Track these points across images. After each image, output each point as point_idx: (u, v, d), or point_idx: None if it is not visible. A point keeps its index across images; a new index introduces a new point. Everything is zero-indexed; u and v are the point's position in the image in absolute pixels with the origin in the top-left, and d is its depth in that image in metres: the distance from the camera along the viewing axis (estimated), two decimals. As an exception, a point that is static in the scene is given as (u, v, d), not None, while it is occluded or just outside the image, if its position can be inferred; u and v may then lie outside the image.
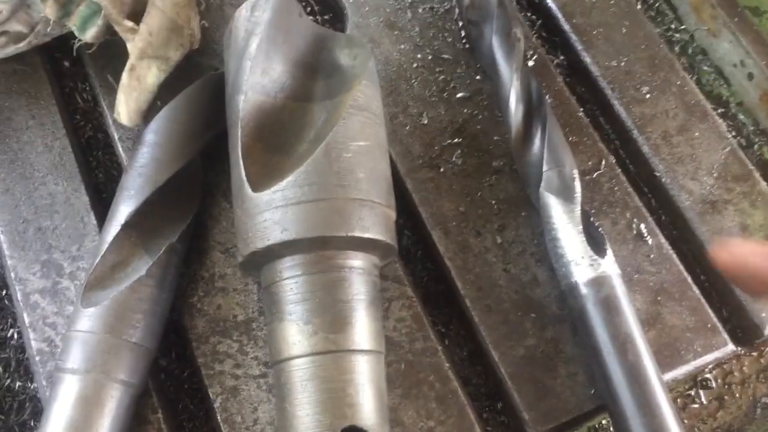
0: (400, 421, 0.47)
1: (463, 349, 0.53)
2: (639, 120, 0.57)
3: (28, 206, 0.52)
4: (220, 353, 0.48)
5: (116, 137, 0.55)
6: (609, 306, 0.46)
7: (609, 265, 0.47)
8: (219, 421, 0.47)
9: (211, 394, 0.47)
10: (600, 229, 0.49)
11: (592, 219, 0.50)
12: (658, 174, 0.56)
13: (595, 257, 0.47)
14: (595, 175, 0.55)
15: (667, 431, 0.43)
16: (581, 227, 0.48)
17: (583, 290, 0.47)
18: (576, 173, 0.50)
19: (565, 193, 0.49)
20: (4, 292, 0.53)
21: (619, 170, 0.55)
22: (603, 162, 0.55)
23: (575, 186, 0.49)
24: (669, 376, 0.49)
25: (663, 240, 0.53)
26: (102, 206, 0.53)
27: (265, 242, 0.42)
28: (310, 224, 0.42)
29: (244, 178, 0.44)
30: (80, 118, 0.59)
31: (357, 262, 0.43)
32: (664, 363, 0.49)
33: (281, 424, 0.41)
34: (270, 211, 0.42)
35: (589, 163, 0.55)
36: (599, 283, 0.47)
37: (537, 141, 0.51)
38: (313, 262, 0.42)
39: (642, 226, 0.53)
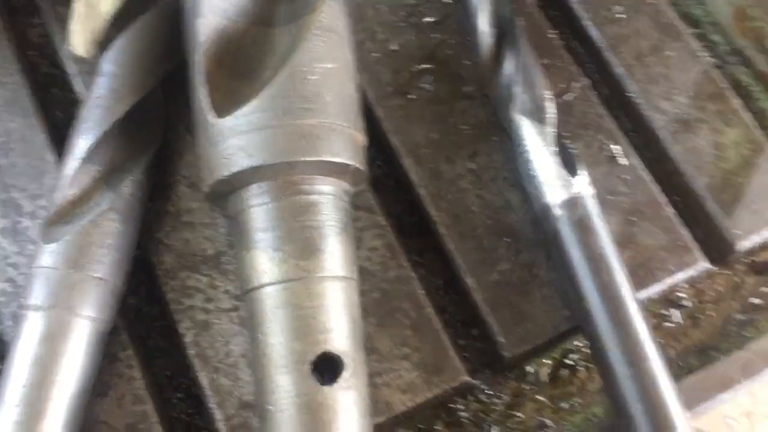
0: (375, 349, 0.47)
1: (439, 277, 0.52)
2: (612, 40, 0.56)
3: (-17, 145, 0.50)
4: (189, 288, 0.47)
5: (73, 72, 0.53)
6: (582, 226, 0.46)
7: (582, 186, 0.47)
8: (190, 356, 0.46)
9: (181, 330, 0.46)
10: (574, 150, 0.49)
11: (565, 141, 0.49)
12: (631, 95, 0.55)
13: (569, 178, 0.47)
14: (567, 98, 0.54)
15: (641, 347, 0.43)
16: (554, 148, 0.47)
17: (557, 211, 0.46)
18: (548, 94, 0.49)
19: (537, 114, 0.48)
20: (-37, 235, 0.52)
21: (592, 92, 0.54)
22: (575, 84, 0.54)
23: (547, 107, 0.48)
24: (643, 294, 0.49)
25: (637, 161, 0.52)
26: (61, 144, 0.51)
27: (230, 169, 0.41)
28: (276, 149, 0.40)
29: (207, 105, 0.42)
30: (35, 54, 0.56)
31: (326, 187, 0.42)
32: (638, 282, 0.49)
33: (254, 353, 0.41)
34: (234, 137, 0.41)
35: (562, 85, 0.54)
36: (573, 203, 0.46)
37: (508, 64, 0.50)
38: (280, 188, 0.41)
39: (615, 147, 0.52)
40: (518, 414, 0.50)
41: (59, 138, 0.52)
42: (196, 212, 0.49)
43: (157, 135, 0.48)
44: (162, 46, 0.48)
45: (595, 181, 0.51)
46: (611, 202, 0.51)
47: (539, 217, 0.49)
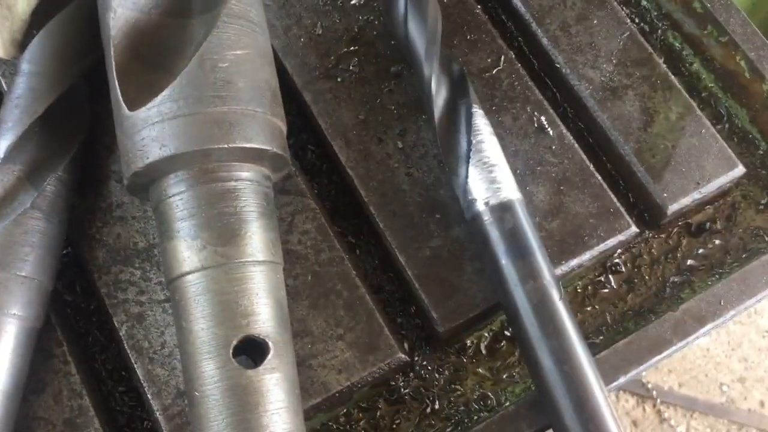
0: (309, 331, 0.47)
1: (374, 257, 0.52)
2: (537, 12, 0.56)
3: None
4: (122, 282, 0.48)
5: (-1, 73, 0.53)
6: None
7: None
8: (126, 348, 0.46)
9: (116, 323, 0.47)
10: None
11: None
12: (558, 65, 0.55)
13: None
14: (494, 72, 0.54)
15: (569, 352, 0.44)
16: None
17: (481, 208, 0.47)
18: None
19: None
20: None
21: (519, 65, 0.55)
22: (502, 58, 0.55)
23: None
24: (574, 262, 0.49)
25: (565, 131, 0.53)
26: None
27: (144, 161, 0.41)
28: (189, 138, 0.41)
29: (120, 98, 0.42)
30: (-38, 57, 0.56)
31: (243, 173, 0.42)
32: (568, 251, 0.49)
33: (180, 341, 0.41)
34: (147, 129, 0.41)
35: (489, 60, 0.54)
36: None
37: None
38: (196, 176, 0.41)
39: (543, 118, 0.53)
40: (459, 387, 0.50)
41: (-11, 141, 0.52)
42: (127, 206, 0.49)
43: (80, 131, 0.49)
44: (80, 42, 0.48)
45: (524, 153, 0.52)
46: (540, 173, 0.51)
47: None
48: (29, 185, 0.45)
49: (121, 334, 0.47)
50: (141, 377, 0.46)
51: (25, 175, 0.45)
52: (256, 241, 0.42)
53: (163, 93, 0.41)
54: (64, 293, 0.49)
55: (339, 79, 0.54)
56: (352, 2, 0.56)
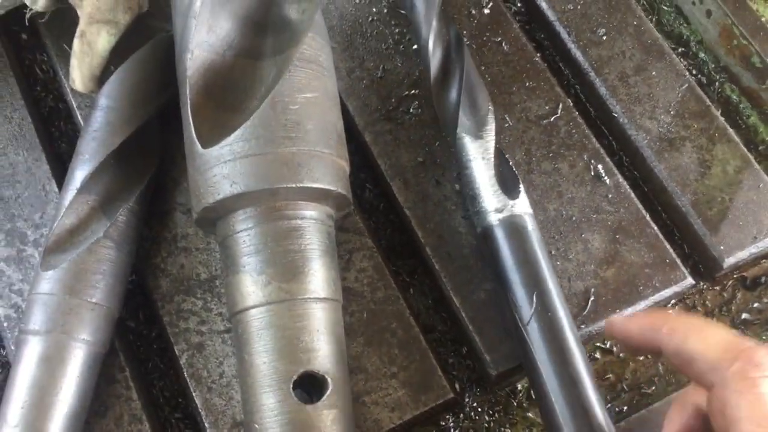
0: (364, 368, 0.48)
1: (428, 297, 0.53)
2: (596, 62, 0.57)
3: (-10, 177, 0.53)
4: (184, 311, 0.49)
5: (75, 105, 0.55)
6: (520, 250, 0.46)
7: (521, 207, 0.48)
8: (186, 376, 0.47)
9: (177, 351, 0.48)
10: (514, 169, 0.49)
11: (510, 162, 0.50)
12: (615, 115, 0.56)
13: (508, 200, 0.47)
14: (552, 119, 0.55)
15: (576, 378, 0.43)
16: (493, 170, 0.48)
17: (496, 233, 0.47)
18: (491, 117, 0.50)
19: (478, 134, 0.49)
20: (-28, 264, 0.54)
21: (577, 113, 0.55)
22: (560, 106, 0.55)
23: (489, 126, 0.49)
24: (629, 311, 0.50)
25: (621, 180, 0.53)
26: (64, 175, 0.53)
27: (215, 197, 0.43)
28: (259, 176, 0.42)
29: (194, 136, 0.44)
30: (41, 89, 0.59)
31: (308, 212, 0.44)
32: (623, 299, 0.50)
33: (241, 374, 0.42)
34: (219, 166, 0.43)
35: (547, 107, 0.55)
36: (512, 224, 0.47)
37: (454, 88, 0.51)
38: (263, 214, 0.43)
39: (600, 167, 0.53)
40: (508, 430, 0.50)
41: (63, 169, 0.54)
42: (192, 238, 0.51)
43: (151, 164, 0.51)
44: (155, 80, 0.50)
45: (580, 200, 0.52)
46: (596, 221, 0.52)
47: (480, 238, 0.49)
48: (102, 215, 0.47)
49: (181, 362, 0.48)
50: (199, 405, 0.47)
51: (98, 205, 0.47)
52: (319, 278, 0.43)
53: (237, 132, 0.43)
54: (127, 320, 0.51)
55: (399, 122, 0.55)
56: (414, 47, 0.57)
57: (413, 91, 0.56)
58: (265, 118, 0.43)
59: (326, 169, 0.44)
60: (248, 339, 0.42)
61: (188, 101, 0.45)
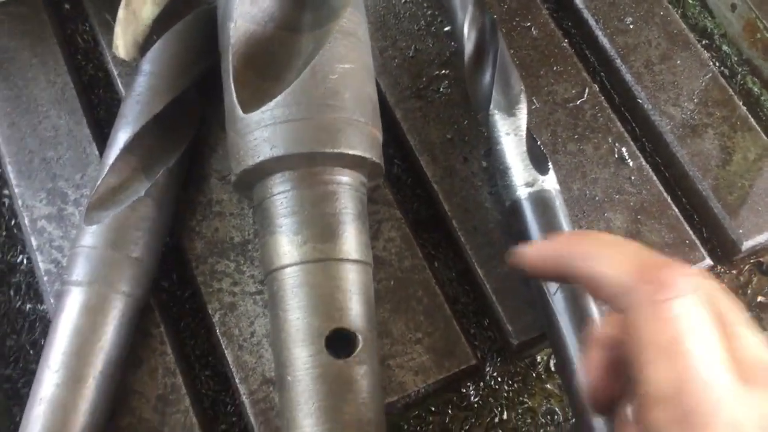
0: (390, 333, 0.49)
1: (452, 270, 0.55)
2: (622, 49, 0.59)
3: (33, 138, 0.54)
4: (218, 272, 0.51)
5: (116, 74, 0.57)
6: (548, 221, 0.48)
7: (550, 183, 0.49)
8: (218, 334, 0.49)
9: (210, 310, 0.50)
10: (543, 148, 0.51)
11: (538, 141, 0.51)
12: (640, 101, 0.57)
13: (538, 174, 0.49)
14: (578, 102, 0.57)
15: None
16: (525, 146, 0.50)
17: (525, 206, 0.49)
18: (523, 96, 0.51)
19: (511, 111, 0.51)
20: (12, 222, 0.56)
21: (603, 98, 0.57)
22: (586, 90, 0.57)
23: (520, 106, 0.51)
24: (647, 289, 0.51)
25: (644, 163, 0.55)
26: (103, 139, 0.55)
27: (255, 159, 0.44)
28: (298, 141, 0.44)
29: (235, 101, 0.46)
30: (81, 58, 0.61)
31: (344, 178, 0.45)
32: (642, 277, 0.51)
33: (274, 329, 0.44)
34: (260, 130, 0.44)
35: (573, 91, 0.57)
36: (540, 198, 0.49)
37: (488, 69, 0.52)
38: (301, 177, 0.45)
39: (624, 149, 0.55)
40: (527, 400, 0.52)
41: (102, 134, 0.56)
42: (226, 203, 0.53)
43: (190, 130, 0.52)
44: (196, 49, 0.52)
45: (603, 181, 0.54)
46: (619, 201, 0.53)
47: (508, 211, 0.51)
48: (143, 175, 0.49)
49: (214, 320, 0.49)
50: (230, 362, 0.48)
51: (140, 166, 0.49)
52: (352, 241, 0.44)
53: (277, 98, 0.44)
54: (161, 280, 0.53)
55: (429, 100, 0.57)
56: (446, 29, 0.59)
57: (443, 71, 0.58)
58: (305, 86, 0.44)
59: (362, 137, 0.45)
60: (283, 296, 0.43)
61: (230, 68, 0.47)
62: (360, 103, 0.46)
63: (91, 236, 0.46)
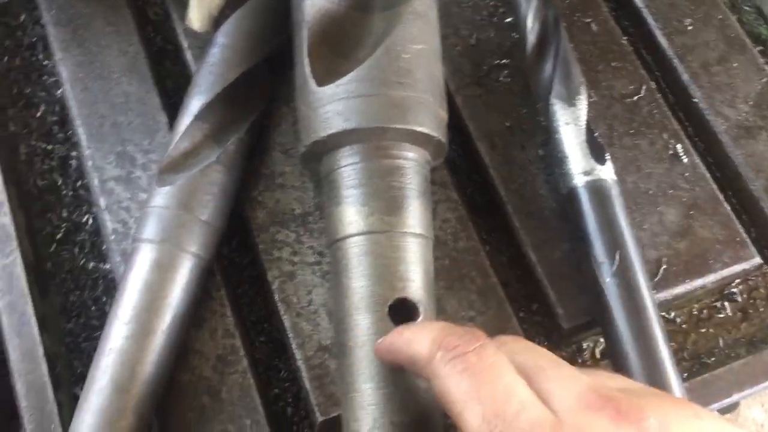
0: (444, 310, 0.51)
1: (503, 255, 0.56)
2: (680, 49, 0.60)
3: (105, 103, 0.56)
4: (278, 241, 0.52)
5: (185, 46, 0.59)
6: (604, 210, 0.49)
7: (607, 172, 0.50)
8: (276, 300, 0.51)
9: (269, 277, 0.51)
10: (600, 140, 0.52)
11: (595, 133, 0.52)
12: (695, 100, 0.58)
13: (595, 163, 0.50)
14: (635, 98, 0.58)
15: (656, 350, 0.46)
16: (584, 136, 0.51)
17: (581, 194, 0.50)
18: (584, 88, 0.53)
19: (571, 102, 0.52)
20: (79, 183, 0.58)
21: (659, 95, 0.58)
22: (644, 87, 0.58)
23: (581, 97, 0.52)
24: (698, 282, 0.52)
25: (698, 160, 0.56)
26: (171, 108, 0.57)
27: (327, 131, 0.46)
28: (370, 115, 0.45)
29: (309, 75, 0.47)
30: (151, 30, 0.63)
31: (411, 154, 0.47)
32: (694, 271, 0.52)
33: (338, 296, 0.45)
34: (333, 104, 0.46)
35: (631, 87, 0.58)
36: (597, 187, 0.50)
37: (550, 60, 0.54)
38: (370, 150, 0.46)
39: (678, 146, 0.56)
40: (570, 386, 0.53)
41: (169, 104, 0.58)
42: (288, 176, 0.54)
43: (260, 103, 0.54)
44: (269, 25, 0.54)
45: (657, 176, 0.55)
46: (672, 196, 0.54)
47: (564, 199, 0.52)
48: (213, 143, 0.51)
49: (273, 287, 0.51)
50: (287, 328, 0.50)
51: (210, 134, 0.51)
52: (416, 215, 0.46)
53: (351, 74, 0.46)
54: (222, 246, 0.54)
55: (489, 88, 0.58)
56: (507, 20, 0.60)
57: (504, 61, 0.59)
58: (379, 63, 0.46)
59: (430, 116, 0.47)
60: (348, 264, 0.45)
61: (304, 43, 0.48)
62: (429, 83, 0.47)
63: (162, 197, 0.48)
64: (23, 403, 0.48)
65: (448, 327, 0.36)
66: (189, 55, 0.59)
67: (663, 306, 0.53)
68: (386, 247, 0.44)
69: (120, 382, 0.43)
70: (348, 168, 0.46)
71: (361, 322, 0.43)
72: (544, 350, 0.36)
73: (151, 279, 0.46)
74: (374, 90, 0.46)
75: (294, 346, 0.49)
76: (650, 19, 0.61)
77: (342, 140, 0.46)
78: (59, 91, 0.61)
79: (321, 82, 0.47)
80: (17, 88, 0.61)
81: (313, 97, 0.47)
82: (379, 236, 0.45)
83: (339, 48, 0.50)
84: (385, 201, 0.45)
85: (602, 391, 0.32)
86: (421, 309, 0.44)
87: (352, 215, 0.45)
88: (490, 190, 0.56)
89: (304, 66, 0.48)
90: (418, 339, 0.36)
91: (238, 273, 0.55)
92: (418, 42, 0.48)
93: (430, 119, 0.47)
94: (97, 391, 0.43)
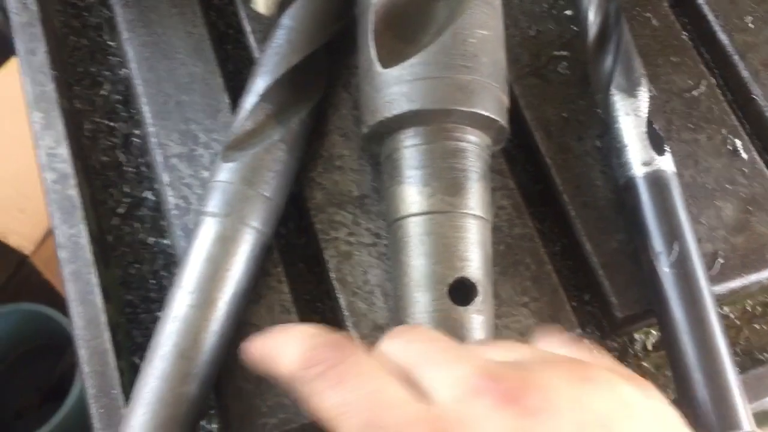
0: (498, 295, 0.51)
1: (557, 244, 0.56)
2: (741, 47, 0.60)
3: (170, 83, 0.58)
4: (335, 222, 0.53)
5: (248, 30, 0.60)
6: (663, 201, 0.49)
7: (666, 163, 0.50)
8: (332, 279, 0.51)
9: (326, 257, 0.52)
10: (660, 132, 0.52)
11: (654, 125, 0.52)
12: (755, 97, 0.58)
13: (655, 154, 0.50)
14: (694, 93, 0.58)
15: (712, 340, 0.46)
16: (644, 127, 0.51)
17: (640, 184, 0.50)
18: (645, 80, 0.53)
19: (632, 93, 0.52)
20: (141, 160, 0.59)
21: (718, 91, 0.58)
22: (703, 82, 0.58)
23: (642, 88, 0.52)
24: (754, 277, 0.52)
25: (757, 157, 0.56)
26: (233, 90, 0.58)
27: (392, 112, 0.46)
28: (436, 97, 0.46)
29: (375, 57, 0.48)
30: (214, 14, 0.64)
31: (473, 137, 0.47)
32: (750, 266, 0.52)
33: (397, 274, 0.46)
34: (398, 85, 0.46)
35: (690, 82, 0.58)
36: (656, 177, 0.50)
37: (610, 52, 0.54)
38: (434, 132, 0.47)
39: (737, 142, 0.56)
40: (621, 377, 0.53)
41: (231, 86, 0.59)
42: (347, 159, 0.55)
43: (319, 86, 0.55)
44: (333, 10, 0.55)
45: (715, 171, 0.55)
46: (730, 191, 0.54)
47: (622, 189, 0.52)
48: (276, 122, 0.52)
49: (329, 266, 0.52)
50: (343, 307, 0.50)
51: (273, 113, 0.52)
52: (477, 198, 0.46)
53: (417, 56, 0.47)
54: (279, 226, 0.55)
55: (547, 79, 0.58)
56: (566, 13, 0.61)
57: (563, 53, 0.59)
58: (446, 47, 0.47)
59: (494, 100, 0.47)
60: (408, 242, 0.45)
61: (370, 26, 0.49)
62: (494, 68, 0.48)
63: (227, 173, 0.49)
64: (86, 368, 0.50)
65: (315, 338, 0.34)
66: (252, 39, 0.60)
67: (717, 300, 0.53)
68: (447, 227, 0.45)
69: (183, 349, 0.44)
70: (411, 149, 0.47)
71: (421, 299, 0.44)
72: (436, 335, 0.34)
73: (215, 251, 0.47)
74: (440, 73, 0.46)
75: (349, 324, 0.50)
76: (711, 16, 0.61)
77: (406, 121, 0.47)
78: (123, 71, 0.62)
79: (385, 65, 0.48)
80: (83, 67, 0.63)
81: (378, 79, 0.48)
82: (440, 216, 0.45)
83: (402, 33, 0.51)
84: (447, 182, 0.46)
85: (487, 372, 0.30)
86: (480, 289, 0.44)
87: (414, 195, 0.46)
88: (545, 180, 0.56)
89: (370, 48, 0.49)
90: (285, 354, 0.34)
91: (294, 253, 0.56)
92: (484, 28, 0.48)
93: (493, 103, 0.47)
94: (161, 356, 0.44)
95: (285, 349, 0.34)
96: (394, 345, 0.34)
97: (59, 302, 1.50)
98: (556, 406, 0.28)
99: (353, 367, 0.32)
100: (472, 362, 0.31)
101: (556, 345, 0.36)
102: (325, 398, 0.31)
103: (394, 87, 0.47)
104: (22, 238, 1.41)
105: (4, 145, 1.42)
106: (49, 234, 1.45)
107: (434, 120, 0.47)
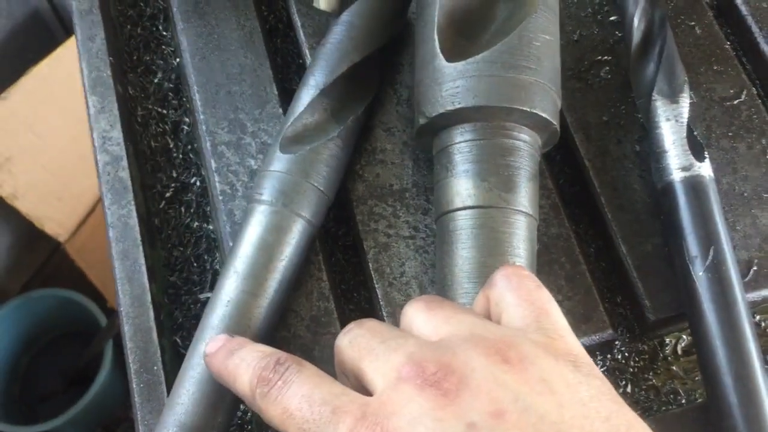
0: (534, 291, 0.52)
1: (592, 245, 0.57)
2: (783, 59, 0.60)
3: (221, 73, 0.59)
4: (375, 214, 0.54)
5: (299, 25, 0.62)
6: (700, 206, 0.50)
7: (705, 170, 0.51)
8: (370, 270, 0.53)
9: (365, 247, 0.53)
10: (700, 138, 0.53)
11: (694, 132, 0.53)
12: (796, 110, 0.58)
13: (695, 160, 0.51)
14: (735, 102, 0.58)
15: (744, 351, 0.47)
16: (684, 133, 0.52)
17: (678, 189, 0.51)
18: (687, 86, 0.53)
19: (674, 99, 0.53)
20: (189, 147, 0.61)
21: (759, 101, 0.58)
22: (744, 92, 0.59)
23: (683, 95, 0.53)
24: (789, 285, 0.52)
25: (795, 168, 0.56)
26: (281, 82, 0.60)
27: (454, 105, 0.47)
28: (500, 95, 0.47)
29: (439, 51, 0.49)
30: (265, 8, 0.66)
31: (529, 138, 0.48)
32: (785, 274, 0.52)
33: (445, 264, 0.47)
34: (462, 80, 0.47)
35: (731, 91, 0.59)
36: (694, 183, 0.50)
37: (653, 58, 0.55)
38: (493, 128, 0.48)
39: (776, 152, 0.56)
40: (651, 378, 0.54)
41: (279, 78, 0.61)
42: (389, 153, 0.56)
43: (374, 85, 0.56)
44: (394, 10, 0.56)
45: (753, 179, 0.55)
46: (767, 200, 0.55)
47: (660, 193, 0.53)
48: (333, 118, 0.53)
49: (368, 257, 0.53)
50: (380, 297, 0.52)
51: (331, 109, 0.53)
52: (529, 196, 0.47)
53: (483, 54, 0.47)
54: (320, 215, 0.57)
55: (589, 82, 0.59)
56: (611, 18, 0.61)
57: (605, 58, 0.60)
58: (511, 48, 0.47)
59: (551, 104, 0.49)
60: (461, 235, 0.47)
61: (435, 20, 0.50)
62: (553, 72, 0.49)
63: (285, 163, 0.50)
64: (129, 344, 0.51)
65: (264, 358, 0.38)
66: (301, 34, 0.61)
67: (750, 307, 0.53)
68: (500, 222, 0.46)
69: (235, 332, 0.46)
70: (469, 143, 0.48)
71: (471, 290, 0.45)
72: (379, 327, 0.37)
73: (270, 239, 0.48)
74: (505, 72, 0.47)
75: (385, 314, 0.51)
76: (754, 27, 0.62)
77: (467, 116, 0.48)
78: (176, 60, 0.64)
79: (447, 59, 0.49)
80: (137, 54, 0.65)
81: (440, 73, 0.49)
82: (495, 211, 0.46)
83: (464, 31, 0.52)
84: (503, 178, 0.47)
85: (413, 359, 0.33)
86: (529, 283, 0.45)
87: (470, 188, 0.47)
88: (583, 181, 0.57)
89: (435, 42, 0.49)
90: (239, 375, 0.39)
91: (333, 242, 0.57)
92: (546, 32, 0.49)
93: (551, 106, 0.48)
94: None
95: (238, 371, 0.39)
96: (344, 341, 0.37)
97: (89, 290, 1.54)
98: (471, 386, 0.31)
99: (289, 378, 0.36)
100: (402, 350, 0.34)
101: (506, 288, 0.39)
102: (272, 411, 0.35)
103: (459, 81, 0.48)
104: (58, 226, 1.45)
105: (46, 135, 1.46)
106: (83, 223, 1.48)
107: (495, 117, 0.48)
